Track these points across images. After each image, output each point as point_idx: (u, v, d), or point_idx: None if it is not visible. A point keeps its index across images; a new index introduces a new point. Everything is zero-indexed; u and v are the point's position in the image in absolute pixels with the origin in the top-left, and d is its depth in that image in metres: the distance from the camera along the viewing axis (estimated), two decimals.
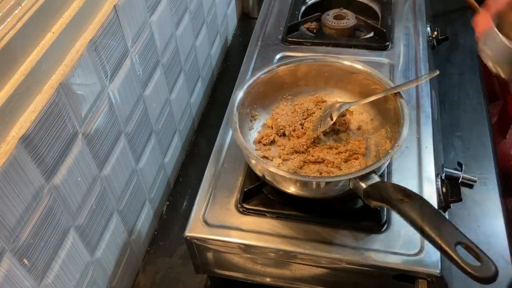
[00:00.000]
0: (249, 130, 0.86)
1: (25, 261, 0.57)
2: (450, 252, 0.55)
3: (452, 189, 0.79)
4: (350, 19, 1.09)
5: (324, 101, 0.89)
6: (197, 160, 1.09)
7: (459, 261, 0.54)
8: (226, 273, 0.81)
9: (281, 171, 0.71)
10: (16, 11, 0.56)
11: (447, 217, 0.70)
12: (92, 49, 0.66)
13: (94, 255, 0.74)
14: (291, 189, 0.74)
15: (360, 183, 0.68)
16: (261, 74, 0.85)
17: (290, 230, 0.74)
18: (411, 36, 1.05)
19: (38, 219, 0.59)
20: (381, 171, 0.76)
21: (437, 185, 0.78)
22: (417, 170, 0.80)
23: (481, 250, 0.56)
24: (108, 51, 0.70)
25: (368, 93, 0.82)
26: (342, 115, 0.86)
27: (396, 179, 0.79)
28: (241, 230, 0.75)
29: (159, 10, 0.86)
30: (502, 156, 1.23)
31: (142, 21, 0.80)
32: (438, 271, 0.67)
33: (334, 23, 1.10)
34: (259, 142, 0.84)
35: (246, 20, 1.45)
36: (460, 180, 0.91)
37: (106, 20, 0.69)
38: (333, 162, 0.79)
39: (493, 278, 0.54)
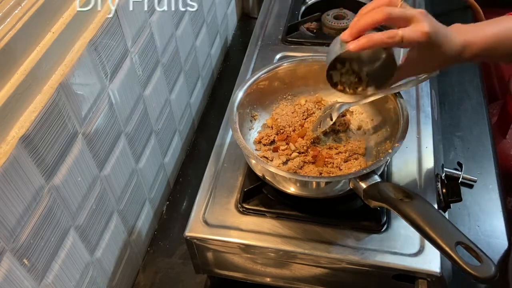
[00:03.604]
0: (249, 130, 0.86)
1: (25, 261, 0.57)
2: (450, 252, 0.55)
3: (452, 189, 0.79)
4: (350, 19, 1.09)
5: (324, 101, 0.89)
6: (197, 160, 1.09)
7: (459, 261, 0.54)
8: (226, 273, 0.81)
9: (281, 171, 0.71)
10: (16, 11, 0.56)
11: (447, 217, 0.70)
12: (92, 49, 0.66)
13: (94, 255, 0.74)
14: (291, 189, 0.74)
15: (360, 183, 0.68)
16: (261, 74, 0.85)
17: (290, 230, 0.74)
18: None
19: (38, 219, 0.59)
20: (381, 171, 0.76)
21: (437, 185, 0.78)
22: (417, 170, 0.80)
23: (481, 250, 0.56)
24: (108, 51, 0.70)
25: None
26: (342, 115, 0.86)
27: (396, 179, 0.79)
28: (241, 230, 0.75)
29: (159, 10, 0.86)
30: (502, 156, 1.23)
31: (142, 21, 0.80)
32: (438, 271, 0.67)
33: (334, 23, 1.10)
34: (259, 142, 0.84)
35: (246, 20, 1.45)
36: (460, 180, 0.91)
37: (106, 20, 0.69)
38: (333, 162, 0.79)
39: (493, 277, 0.54)
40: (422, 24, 0.63)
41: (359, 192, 0.68)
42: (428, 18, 0.64)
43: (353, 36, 0.65)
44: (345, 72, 0.74)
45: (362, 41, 0.64)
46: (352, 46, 0.64)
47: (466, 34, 0.68)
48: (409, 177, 0.79)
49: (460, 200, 0.78)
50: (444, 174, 0.87)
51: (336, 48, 0.68)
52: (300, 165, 0.79)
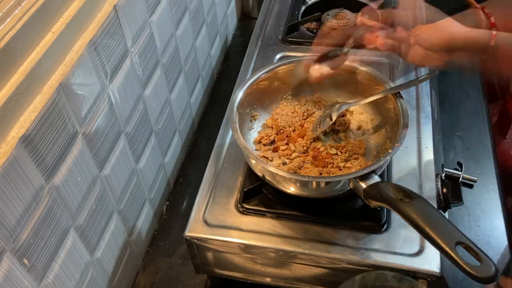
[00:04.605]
0: (249, 130, 0.86)
1: (25, 261, 0.57)
2: (450, 252, 0.55)
3: (452, 189, 0.79)
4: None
5: (324, 101, 0.89)
6: (197, 160, 1.09)
7: (459, 261, 0.54)
8: (226, 273, 0.81)
9: (281, 171, 0.71)
10: (16, 11, 0.56)
11: (447, 217, 0.70)
12: (92, 49, 0.66)
13: (94, 255, 0.74)
14: (291, 189, 0.74)
15: (360, 183, 0.68)
16: (261, 74, 0.85)
17: (290, 230, 0.74)
18: None
19: (38, 219, 0.59)
20: (381, 171, 0.76)
21: (437, 185, 0.78)
22: (417, 170, 0.80)
23: (481, 250, 0.56)
24: (108, 51, 0.70)
25: (368, 93, 0.82)
26: (342, 115, 0.86)
27: (396, 179, 0.79)
28: (241, 230, 0.75)
29: (159, 10, 0.86)
30: (502, 156, 1.22)
31: (142, 21, 0.80)
32: (438, 271, 0.67)
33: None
34: (259, 142, 0.84)
35: (246, 20, 1.45)
36: (460, 180, 0.91)
37: (106, 20, 0.69)
38: (333, 162, 0.79)
39: (493, 278, 0.54)
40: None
41: (359, 192, 0.68)
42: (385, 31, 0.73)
43: (316, 60, 0.80)
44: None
45: (323, 71, 0.79)
46: (314, 77, 0.80)
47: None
48: (409, 177, 0.79)
49: (461, 202, 0.78)
50: (444, 174, 0.87)
51: (300, 72, 0.84)
52: (300, 165, 0.79)
